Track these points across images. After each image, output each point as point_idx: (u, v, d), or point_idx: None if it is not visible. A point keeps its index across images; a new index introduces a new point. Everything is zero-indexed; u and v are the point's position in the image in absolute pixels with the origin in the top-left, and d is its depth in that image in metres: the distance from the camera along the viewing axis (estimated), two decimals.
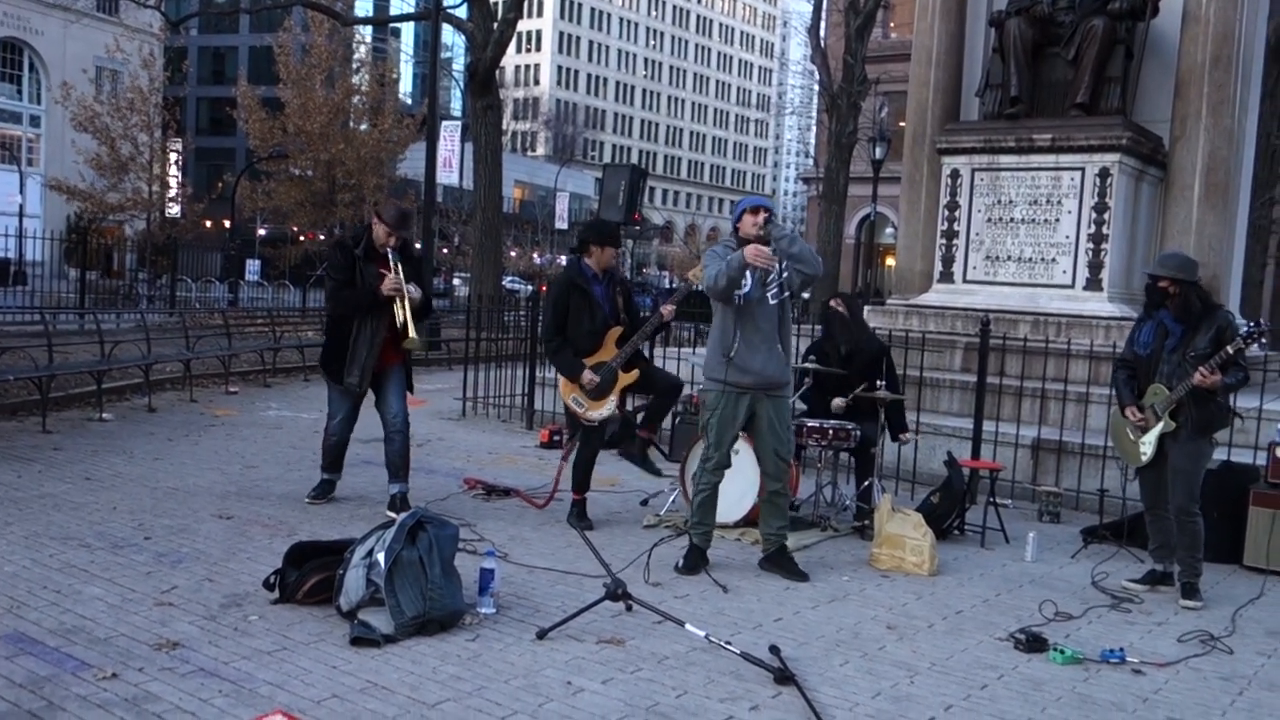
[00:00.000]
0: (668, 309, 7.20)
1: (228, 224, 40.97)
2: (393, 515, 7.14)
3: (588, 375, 7.05)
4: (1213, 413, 6.21)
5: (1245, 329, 6.10)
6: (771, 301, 6.16)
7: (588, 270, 7.18)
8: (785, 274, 6.13)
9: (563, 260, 59.85)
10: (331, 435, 7.48)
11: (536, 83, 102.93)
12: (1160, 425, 6.22)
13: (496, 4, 24.41)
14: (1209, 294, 6.68)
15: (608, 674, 4.49)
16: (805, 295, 6.35)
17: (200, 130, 60.66)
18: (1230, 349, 5.96)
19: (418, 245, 20.09)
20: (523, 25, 57.48)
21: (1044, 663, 5.00)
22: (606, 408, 7.14)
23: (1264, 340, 6.33)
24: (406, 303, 7.00)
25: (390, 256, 7.02)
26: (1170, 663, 5.10)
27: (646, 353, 8.77)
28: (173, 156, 36.07)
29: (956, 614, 5.77)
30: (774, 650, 4.67)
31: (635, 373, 7.18)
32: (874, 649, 5.07)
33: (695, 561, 6.23)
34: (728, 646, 4.68)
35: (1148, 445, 6.31)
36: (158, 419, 10.89)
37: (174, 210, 35.82)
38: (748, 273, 6.05)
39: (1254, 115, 12.74)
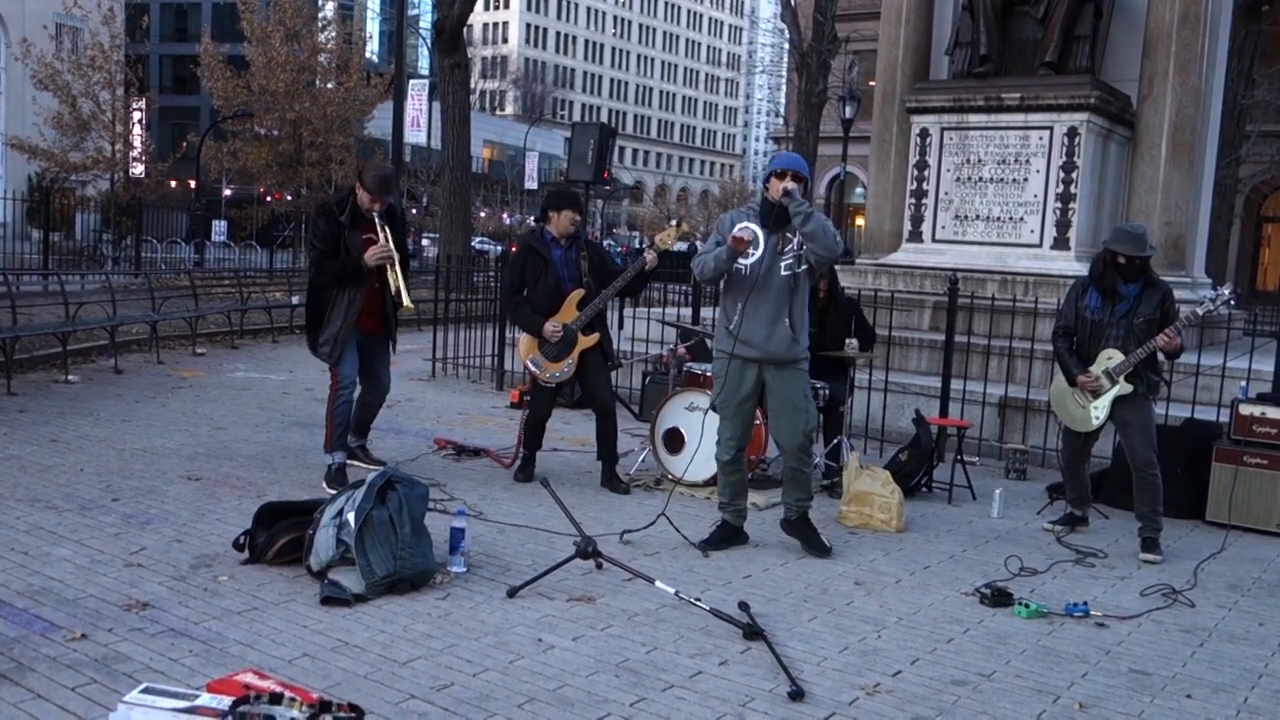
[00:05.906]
0: (650, 254, 6.97)
1: (193, 184, 40.47)
2: (357, 464, 7.15)
3: (550, 326, 7.06)
4: (1160, 373, 6.48)
5: (1214, 294, 6.25)
6: (783, 272, 5.74)
7: (547, 235, 7.22)
8: (803, 247, 5.76)
9: (531, 221, 59.72)
10: (345, 387, 6.95)
11: (505, 41, 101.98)
12: (1116, 389, 6.32)
13: None
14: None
15: (578, 631, 4.52)
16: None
17: (164, 89, 59.70)
18: (1199, 310, 6.14)
19: (411, 209, 19.93)
20: None
21: (1009, 617, 5.07)
22: (564, 369, 7.18)
23: (1232, 302, 6.44)
24: (398, 269, 6.75)
25: (377, 221, 6.75)
26: (1133, 616, 5.18)
27: (617, 312, 8.76)
28: (135, 115, 35.45)
29: (923, 569, 5.83)
30: (743, 606, 4.71)
31: (595, 336, 7.19)
32: (842, 604, 5.12)
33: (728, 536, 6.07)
34: (697, 603, 4.72)
35: (1100, 410, 6.41)
36: (124, 381, 10.80)
37: (138, 170, 35.27)
38: (759, 236, 5.75)
39: (1221, 73, 12.79)
